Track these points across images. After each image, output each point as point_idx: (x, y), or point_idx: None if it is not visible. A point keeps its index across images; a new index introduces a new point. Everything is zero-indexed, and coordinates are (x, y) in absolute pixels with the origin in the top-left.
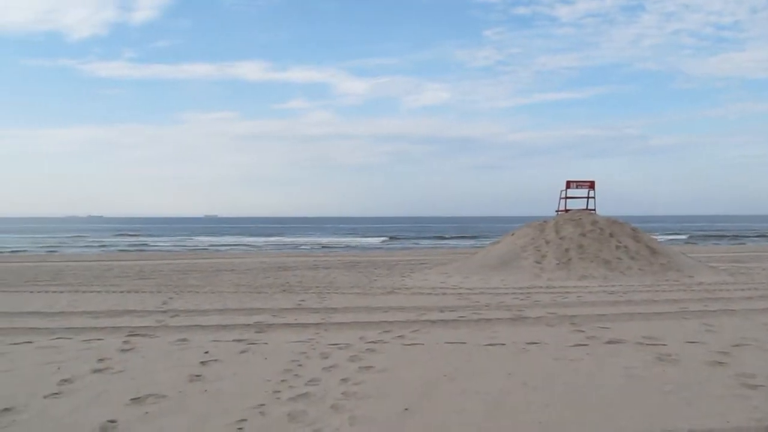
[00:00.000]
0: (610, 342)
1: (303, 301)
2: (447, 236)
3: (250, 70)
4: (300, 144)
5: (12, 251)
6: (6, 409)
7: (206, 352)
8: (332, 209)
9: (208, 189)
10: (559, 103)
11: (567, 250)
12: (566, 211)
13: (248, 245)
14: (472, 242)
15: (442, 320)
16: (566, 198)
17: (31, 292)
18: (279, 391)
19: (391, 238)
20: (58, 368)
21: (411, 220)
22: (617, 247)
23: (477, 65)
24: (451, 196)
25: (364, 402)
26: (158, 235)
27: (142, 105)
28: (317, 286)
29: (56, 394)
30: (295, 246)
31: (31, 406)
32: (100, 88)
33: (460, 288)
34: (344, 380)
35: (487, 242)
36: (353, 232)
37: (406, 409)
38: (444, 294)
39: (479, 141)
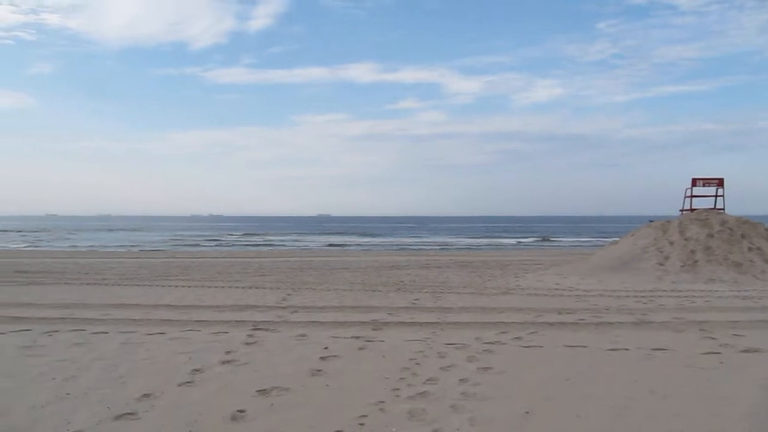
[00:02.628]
0: (746, 351)
1: (417, 300)
2: (560, 236)
3: (362, 72)
4: (410, 144)
5: (148, 249)
6: (145, 395)
7: (326, 348)
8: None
9: (321, 189)
10: (680, 96)
11: (693, 251)
12: (692, 210)
13: (360, 244)
14: (586, 242)
15: (560, 322)
16: (692, 196)
17: (162, 286)
18: (398, 389)
19: (504, 237)
20: (190, 358)
21: (521, 219)
22: (749, 249)
23: (590, 59)
24: (564, 195)
25: (483, 403)
26: (273, 234)
27: (259, 108)
28: (431, 285)
29: (189, 382)
30: (407, 245)
31: (167, 393)
32: (220, 94)
33: (578, 289)
34: (463, 380)
35: (604, 242)
36: (461, 232)
37: (527, 413)
38: (561, 296)
39: (593, 138)
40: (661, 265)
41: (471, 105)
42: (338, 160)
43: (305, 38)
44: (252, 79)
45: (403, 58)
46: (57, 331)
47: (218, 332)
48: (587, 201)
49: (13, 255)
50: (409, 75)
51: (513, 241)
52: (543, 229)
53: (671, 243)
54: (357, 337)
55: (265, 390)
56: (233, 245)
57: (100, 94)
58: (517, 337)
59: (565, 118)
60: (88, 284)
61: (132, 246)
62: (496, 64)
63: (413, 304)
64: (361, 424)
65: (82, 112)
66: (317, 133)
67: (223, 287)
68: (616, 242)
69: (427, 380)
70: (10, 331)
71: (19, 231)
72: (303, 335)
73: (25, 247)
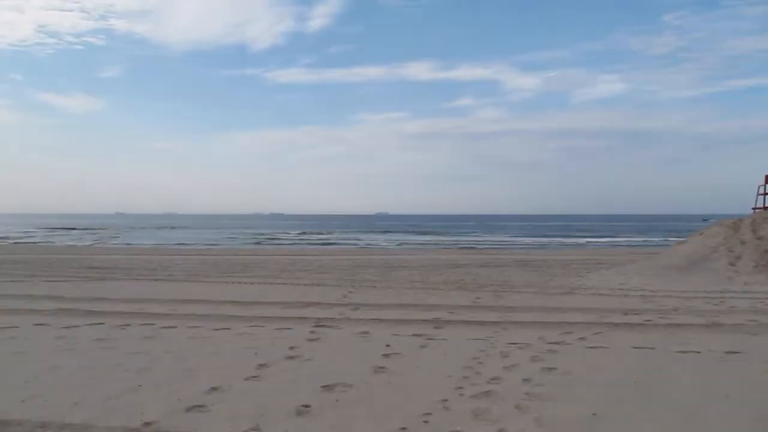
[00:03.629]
0: None
1: (479, 298)
2: (624, 235)
3: (420, 70)
4: (468, 142)
5: (212, 247)
6: (214, 388)
7: (387, 345)
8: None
9: (379, 187)
10: (752, 90)
11: (767, 251)
12: (765, 208)
13: (418, 243)
14: (652, 242)
15: (626, 323)
16: (765, 194)
17: (226, 282)
18: (461, 387)
19: (566, 236)
20: (255, 353)
21: (582, 217)
22: None
23: (655, 53)
24: (627, 193)
25: (549, 404)
26: (332, 232)
27: (318, 108)
28: (491, 284)
29: (255, 377)
30: (466, 243)
31: (234, 387)
32: (280, 93)
33: (644, 290)
34: (527, 380)
35: (671, 242)
36: (521, 231)
37: (595, 414)
38: (626, 296)
39: (658, 134)
40: (732, 265)
41: (530, 101)
42: (396, 158)
43: (363, 37)
44: (311, 78)
45: (461, 56)
46: (128, 324)
47: (282, 328)
48: (652, 198)
49: (84, 252)
50: (466, 72)
51: (575, 240)
52: (605, 228)
53: (743, 242)
54: (418, 335)
55: (329, 386)
56: (294, 243)
57: (165, 96)
58: (581, 338)
59: (629, 114)
60: (155, 280)
61: (196, 243)
62: (556, 59)
63: (474, 302)
64: (426, 422)
65: (148, 113)
66: (375, 131)
67: (285, 284)
68: (683, 242)
69: (491, 379)
70: (85, 324)
71: (88, 228)
72: (365, 332)
73: (95, 244)
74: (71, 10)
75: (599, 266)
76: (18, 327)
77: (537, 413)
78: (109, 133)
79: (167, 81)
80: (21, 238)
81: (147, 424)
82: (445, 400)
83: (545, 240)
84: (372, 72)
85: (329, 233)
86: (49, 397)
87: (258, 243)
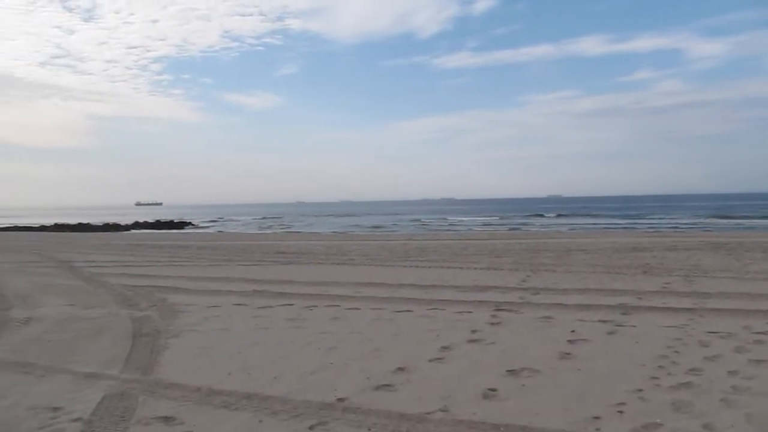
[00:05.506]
0: None
1: (668, 284)
2: None
3: (591, 45)
4: (647, 117)
5: (387, 232)
6: (400, 368)
7: (572, 331)
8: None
9: (551, 169)
10: None
11: None
12: None
13: (595, 225)
14: None
15: None
16: None
17: (403, 266)
18: (657, 378)
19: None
20: (438, 336)
21: None
22: None
23: None
24: None
25: (760, 399)
26: (502, 216)
27: (484, 91)
28: (681, 269)
29: (439, 359)
30: (648, 225)
31: (419, 368)
32: (447, 79)
33: None
34: (732, 373)
35: None
36: (708, 210)
37: None
38: None
39: None
40: None
41: (715, 70)
42: (568, 138)
43: (529, 16)
44: (477, 62)
45: (636, 26)
46: (315, 306)
47: (462, 311)
48: None
49: (271, 238)
50: (643, 43)
51: None
52: None
53: None
54: (605, 321)
55: (514, 370)
56: (466, 227)
57: (338, 89)
58: None
59: None
60: (336, 264)
61: (370, 229)
62: (744, 21)
63: (664, 288)
64: (620, 412)
65: (322, 106)
66: (545, 111)
67: (461, 268)
68: None
69: (690, 370)
70: (278, 305)
71: (272, 217)
72: (548, 317)
73: (280, 230)
74: (251, 15)
75: None
76: (220, 306)
77: (747, 409)
78: (287, 127)
79: (339, 74)
80: (224, 225)
81: (340, 399)
82: (640, 390)
83: (735, 221)
84: (540, 51)
85: (498, 217)
86: (251, 371)
87: (431, 228)
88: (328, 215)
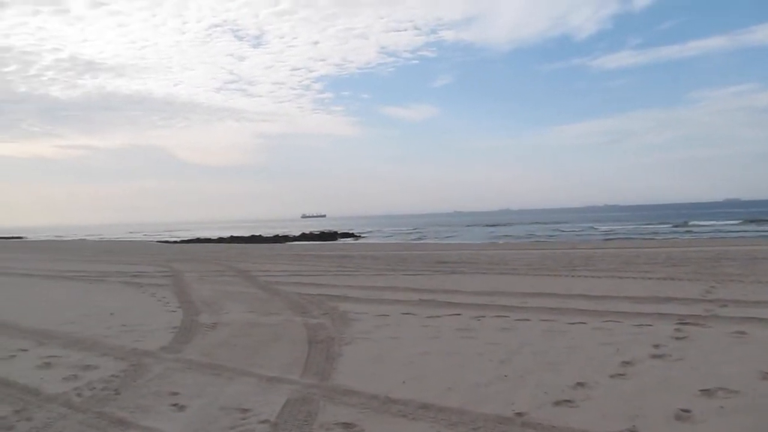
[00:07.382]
0: None
1: None
2: None
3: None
4: None
5: (549, 240)
6: (579, 383)
7: None
8: None
9: (729, 170)
10: None
11: None
12: None
13: None
14: None
15: None
16: None
17: (570, 276)
18: None
19: None
20: (617, 350)
21: None
22: None
23: None
24: None
25: None
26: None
27: (648, 90)
28: None
29: (621, 374)
30: None
31: (600, 384)
32: (607, 80)
33: None
34: None
35: None
36: None
37: None
38: None
39: None
40: None
41: None
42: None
43: (696, 6)
44: (640, 60)
45: None
46: (483, 316)
47: (641, 324)
48: None
49: (432, 248)
50: None
51: None
52: None
53: None
54: None
55: (708, 390)
56: (626, 236)
57: (493, 96)
58: None
59: None
60: (500, 273)
61: (530, 237)
62: None
63: None
64: None
65: (477, 114)
66: (719, 108)
67: (634, 278)
68: None
69: None
70: (445, 315)
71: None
72: (741, 332)
73: (442, 241)
74: (406, 30)
75: None
76: (389, 315)
77: None
78: (443, 137)
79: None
80: (383, 235)
81: (519, 414)
82: None
83: None
84: (710, 43)
85: (676, 225)
86: (424, 380)
87: (592, 235)
88: (483, 225)
